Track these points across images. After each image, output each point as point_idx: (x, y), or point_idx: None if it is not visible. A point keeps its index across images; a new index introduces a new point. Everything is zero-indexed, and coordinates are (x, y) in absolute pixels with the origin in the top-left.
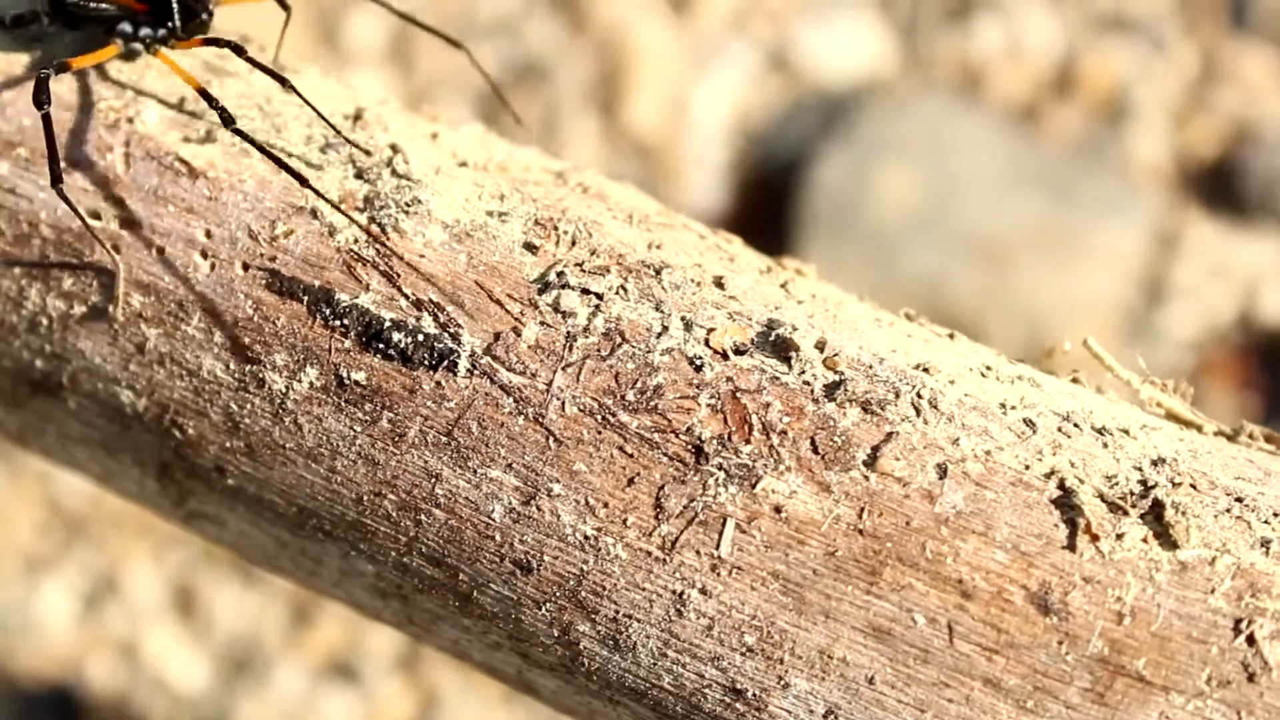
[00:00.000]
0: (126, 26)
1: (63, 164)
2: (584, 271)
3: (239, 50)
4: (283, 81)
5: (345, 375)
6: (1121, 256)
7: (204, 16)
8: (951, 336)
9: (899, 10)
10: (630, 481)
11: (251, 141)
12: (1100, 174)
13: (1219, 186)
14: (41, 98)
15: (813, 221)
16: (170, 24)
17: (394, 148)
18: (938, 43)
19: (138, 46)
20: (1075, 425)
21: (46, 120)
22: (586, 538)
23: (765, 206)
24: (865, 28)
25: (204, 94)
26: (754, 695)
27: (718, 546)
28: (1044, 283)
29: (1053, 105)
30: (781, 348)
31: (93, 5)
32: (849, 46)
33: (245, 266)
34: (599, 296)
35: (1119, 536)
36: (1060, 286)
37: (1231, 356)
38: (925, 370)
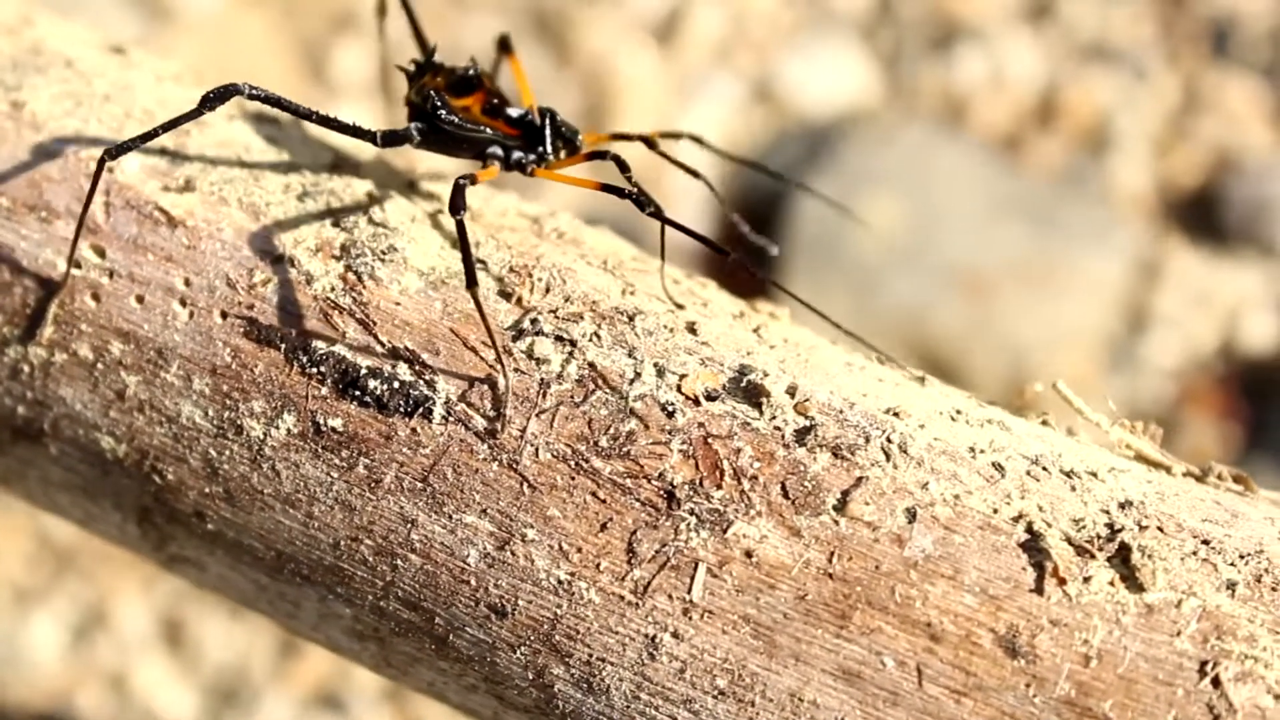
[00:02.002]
0: (498, 150)
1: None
2: (558, 318)
3: (621, 165)
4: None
5: (322, 422)
6: (1104, 286)
7: (576, 143)
8: (922, 380)
9: (882, 41)
10: (603, 526)
11: (683, 228)
12: (1083, 204)
13: (1201, 215)
14: (458, 203)
15: (796, 252)
16: (541, 149)
17: (370, 195)
18: (921, 73)
19: (512, 169)
20: (1044, 469)
21: (461, 227)
22: (560, 582)
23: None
24: (848, 59)
25: (607, 189)
26: None
27: (689, 591)
28: (1027, 313)
29: (1035, 135)
30: (753, 393)
31: (469, 127)
32: (832, 77)
33: (224, 314)
34: (573, 343)
35: (1086, 580)
36: (1043, 316)
37: (1213, 385)
38: (896, 415)
